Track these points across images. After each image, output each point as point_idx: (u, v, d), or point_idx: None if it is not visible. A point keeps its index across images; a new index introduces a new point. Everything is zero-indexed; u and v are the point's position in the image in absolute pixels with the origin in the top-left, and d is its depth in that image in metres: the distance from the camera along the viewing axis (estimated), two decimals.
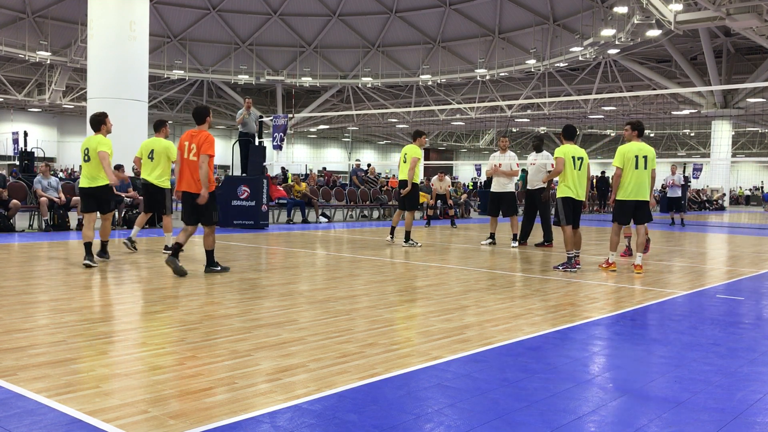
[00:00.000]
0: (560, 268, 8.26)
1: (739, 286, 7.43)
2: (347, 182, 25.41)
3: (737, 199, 55.73)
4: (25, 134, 19.49)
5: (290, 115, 28.44)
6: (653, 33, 29.64)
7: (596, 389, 3.48)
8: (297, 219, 17.23)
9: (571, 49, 36.33)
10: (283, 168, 29.41)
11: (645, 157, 7.97)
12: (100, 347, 4.07)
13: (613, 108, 42.31)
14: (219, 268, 7.26)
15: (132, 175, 14.30)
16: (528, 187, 11.52)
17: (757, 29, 25.60)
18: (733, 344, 4.55)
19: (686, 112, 40.57)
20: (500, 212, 11.48)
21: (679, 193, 19.28)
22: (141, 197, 13.48)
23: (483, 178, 29.38)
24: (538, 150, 11.60)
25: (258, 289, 6.36)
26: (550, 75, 41.18)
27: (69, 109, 44.56)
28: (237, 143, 15.39)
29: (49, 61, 38.01)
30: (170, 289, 6.20)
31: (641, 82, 39.35)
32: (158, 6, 39.70)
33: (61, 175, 33.93)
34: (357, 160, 35.81)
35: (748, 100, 36.96)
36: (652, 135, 61.46)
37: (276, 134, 16.45)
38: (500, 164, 11.41)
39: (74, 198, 12.23)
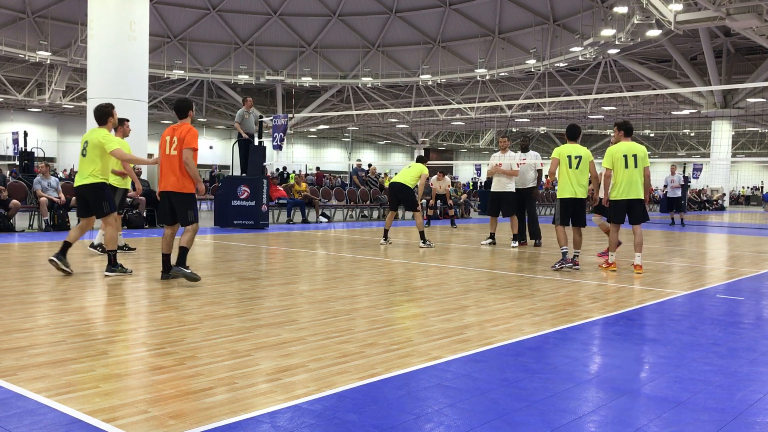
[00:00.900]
0: (556, 266, 8.27)
1: (739, 286, 7.43)
2: (347, 182, 25.41)
3: (737, 199, 55.73)
4: (25, 134, 19.49)
5: (290, 115, 28.42)
6: (653, 33, 29.63)
7: (596, 389, 3.48)
8: (297, 219, 17.23)
9: (571, 49, 36.32)
10: (277, 169, 29.38)
11: (634, 156, 7.99)
12: (100, 347, 4.07)
13: (613, 108, 42.30)
14: (189, 271, 6.50)
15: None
16: (517, 187, 11.57)
17: (757, 29, 25.59)
18: (733, 344, 4.55)
19: (686, 112, 40.56)
20: (500, 212, 11.51)
21: (679, 193, 19.29)
22: (141, 197, 13.51)
23: (483, 178, 29.37)
24: (525, 150, 11.86)
25: (258, 289, 6.36)
26: (550, 75, 41.17)
27: (69, 109, 44.54)
28: (237, 143, 15.39)
29: (49, 61, 37.99)
30: (170, 289, 6.20)
31: (641, 82, 39.34)
32: (158, 6, 39.69)
33: (60, 175, 33.93)
34: (358, 160, 35.81)
35: (748, 100, 36.96)
36: (652, 135, 61.48)
37: (276, 134, 16.45)
38: (500, 164, 11.43)
39: (74, 198, 12.23)
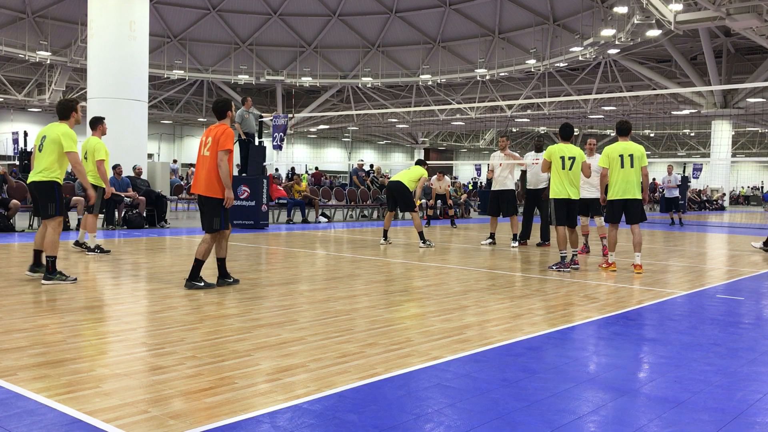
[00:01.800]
0: (554, 268, 8.26)
1: (739, 286, 7.43)
2: (346, 182, 25.40)
3: (737, 199, 55.74)
4: (25, 134, 19.50)
5: (290, 115, 28.40)
6: (653, 33, 29.64)
7: (596, 389, 3.48)
8: (297, 219, 17.23)
9: (571, 49, 36.32)
10: (277, 169, 29.40)
11: (631, 156, 7.96)
12: (100, 347, 4.07)
13: (613, 108, 42.31)
14: (202, 284, 6.23)
15: (133, 174, 14.31)
16: (528, 187, 11.53)
17: (757, 29, 25.60)
18: (733, 344, 4.55)
19: (686, 112, 40.57)
20: (500, 212, 11.51)
21: (676, 193, 19.30)
22: (141, 198, 13.52)
23: (483, 179, 29.35)
24: (539, 150, 11.61)
25: (258, 289, 6.36)
26: (550, 75, 41.18)
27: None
28: (237, 143, 15.39)
29: (49, 61, 38.00)
30: (170, 289, 6.20)
31: (641, 82, 39.35)
32: (158, 6, 39.70)
33: None
34: (360, 160, 35.78)
35: (748, 100, 36.96)
36: (652, 135, 61.50)
37: (276, 134, 16.45)
38: (501, 164, 11.43)
39: (74, 198, 12.22)
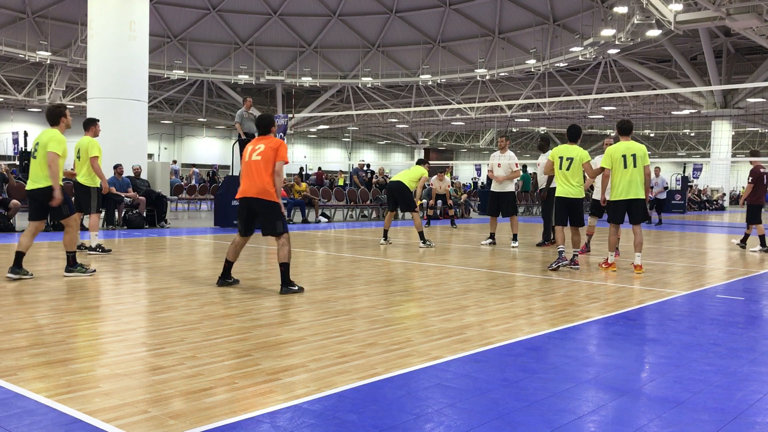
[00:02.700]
0: (553, 266, 8.27)
1: (739, 286, 7.43)
2: (347, 182, 25.40)
3: (737, 199, 55.69)
4: (25, 134, 19.51)
5: (290, 115, 28.41)
6: (653, 33, 29.63)
7: (596, 389, 3.48)
8: (297, 219, 17.22)
9: (571, 49, 36.31)
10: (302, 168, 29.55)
11: (633, 156, 7.97)
12: (100, 347, 4.07)
13: (613, 108, 42.30)
14: (296, 288, 6.17)
15: (132, 175, 14.31)
16: (541, 187, 11.61)
17: (757, 29, 25.59)
18: (733, 344, 4.55)
19: (686, 112, 40.56)
20: (500, 212, 11.53)
21: (664, 195, 19.52)
22: (141, 198, 13.52)
23: (483, 178, 29.35)
24: (544, 150, 11.71)
25: (258, 289, 6.36)
26: (550, 75, 41.17)
27: (69, 109, 44.38)
28: (237, 143, 15.39)
29: (49, 61, 37.98)
30: (170, 289, 6.20)
31: (641, 82, 39.34)
32: (158, 6, 39.68)
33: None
34: (361, 160, 35.76)
35: (748, 100, 36.95)
36: (652, 135, 61.48)
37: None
38: (499, 164, 11.43)
39: (74, 198, 12.21)
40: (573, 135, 8.72)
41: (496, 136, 50.16)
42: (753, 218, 11.44)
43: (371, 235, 13.25)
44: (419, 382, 3.51)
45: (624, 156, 7.99)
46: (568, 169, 8.43)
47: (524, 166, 21.96)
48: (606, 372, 3.82)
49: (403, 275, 7.66)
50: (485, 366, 3.84)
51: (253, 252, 9.67)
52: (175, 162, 36.96)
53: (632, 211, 8.09)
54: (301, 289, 6.20)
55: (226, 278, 6.48)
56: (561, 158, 8.49)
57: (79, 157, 8.75)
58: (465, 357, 4.01)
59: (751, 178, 11.49)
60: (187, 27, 43.15)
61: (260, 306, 5.48)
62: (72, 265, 6.92)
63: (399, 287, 6.72)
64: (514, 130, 54.55)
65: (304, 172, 30.35)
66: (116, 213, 13.10)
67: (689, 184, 35.03)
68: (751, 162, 11.92)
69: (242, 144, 14.97)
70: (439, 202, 18.20)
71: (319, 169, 31.17)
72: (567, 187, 8.43)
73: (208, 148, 56.19)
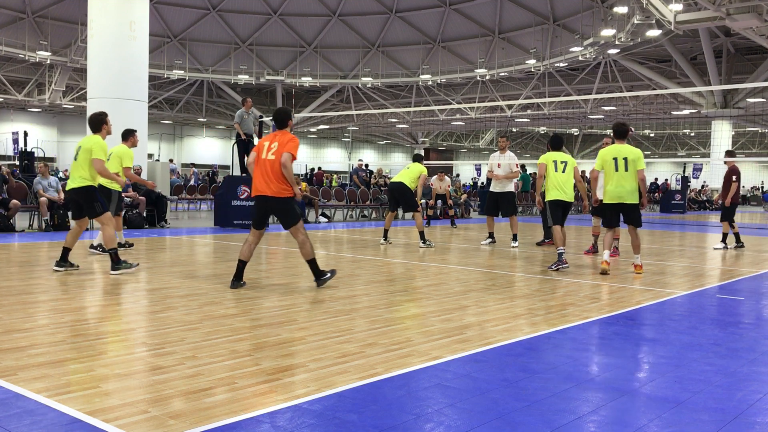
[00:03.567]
0: (553, 267, 8.27)
1: (739, 286, 7.43)
2: (346, 182, 25.41)
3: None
4: (25, 134, 19.51)
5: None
6: (653, 33, 29.63)
7: (596, 389, 3.48)
8: None
9: (571, 49, 36.31)
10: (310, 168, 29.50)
11: (625, 159, 7.89)
12: (100, 347, 4.07)
13: (613, 108, 42.31)
14: (328, 275, 6.54)
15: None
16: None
17: (757, 29, 25.59)
18: (733, 344, 4.55)
19: (686, 112, 40.56)
20: (498, 212, 11.55)
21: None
22: (141, 197, 13.52)
23: (483, 178, 29.36)
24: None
25: (258, 289, 6.36)
26: (550, 75, 41.17)
27: (69, 109, 44.51)
28: (236, 143, 15.39)
29: (49, 61, 37.98)
30: (170, 289, 6.20)
31: (641, 82, 39.34)
32: (158, 6, 39.68)
33: (60, 175, 33.92)
34: (360, 160, 35.78)
35: (748, 100, 36.95)
36: (652, 135, 61.48)
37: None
38: (499, 164, 11.44)
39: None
40: (557, 144, 8.93)
41: (496, 136, 50.18)
42: (729, 216, 11.75)
43: (371, 235, 13.25)
44: (419, 382, 3.51)
45: (615, 159, 7.95)
46: (563, 171, 8.58)
47: (524, 166, 21.94)
48: (606, 372, 3.82)
49: (403, 275, 7.67)
50: (485, 366, 3.84)
51: (254, 252, 9.66)
52: (172, 161, 36.92)
53: (626, 216, 8.09)
54: (333, 272, 6.64)
55: (239, 280, 6.46)
56: (555, 162, 8.58)
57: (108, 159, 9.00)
58: (465, 357, 4.01)
59: (735, 177, 11.60)
60: (187, 27, 43.15)
61: (260, 306, 5.48)
62: (116, 262, 7.11)
63: (399, 287, 6.72)
64: (514, 130, 54.54)
65: (305, 172, 30.34)
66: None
67: (688, 184, 35.04)
68: (725, 162, 12.18)
69: (241, 144, 14.97)
70: (439, 202, 18.20)
71: (319, 168, 31.16)
72: (560, 192, 8.54)
73: (208, 148, 56.22)
